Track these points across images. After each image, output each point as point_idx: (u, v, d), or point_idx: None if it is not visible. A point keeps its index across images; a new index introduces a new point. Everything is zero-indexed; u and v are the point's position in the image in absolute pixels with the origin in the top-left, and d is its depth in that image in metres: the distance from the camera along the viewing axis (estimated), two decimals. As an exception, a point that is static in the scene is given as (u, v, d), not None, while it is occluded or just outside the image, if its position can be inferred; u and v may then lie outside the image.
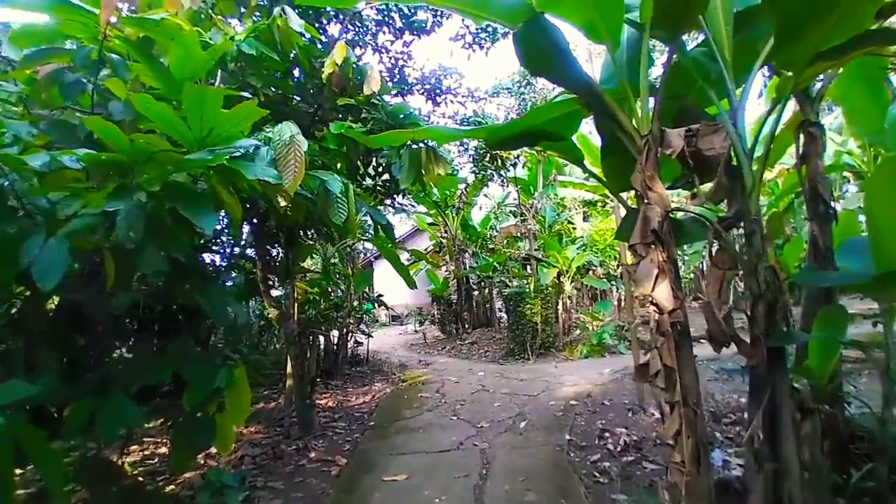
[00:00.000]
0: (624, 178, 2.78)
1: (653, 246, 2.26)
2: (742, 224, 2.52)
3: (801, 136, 3.13)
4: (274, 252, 6.13)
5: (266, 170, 2.20)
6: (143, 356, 2.86)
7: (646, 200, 2.29)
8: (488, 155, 9.30)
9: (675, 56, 2.45)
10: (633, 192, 2.87)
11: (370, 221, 6.91)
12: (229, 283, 8.42)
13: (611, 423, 4.91)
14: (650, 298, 2.24)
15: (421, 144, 4.79)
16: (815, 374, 2.84)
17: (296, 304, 6.01)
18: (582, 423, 4.98)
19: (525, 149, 9.96)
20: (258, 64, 4.34)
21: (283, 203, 2.96)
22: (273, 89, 4.88)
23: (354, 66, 4.63)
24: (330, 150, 4.45)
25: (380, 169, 6.25)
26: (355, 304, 10.85)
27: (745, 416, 4.86)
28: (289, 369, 5.79)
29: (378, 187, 7.04)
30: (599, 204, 15.98)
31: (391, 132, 3.88)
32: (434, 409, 6.05)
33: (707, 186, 2.57)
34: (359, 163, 5.52)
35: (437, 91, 6.77)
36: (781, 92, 2.31)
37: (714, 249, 2.48)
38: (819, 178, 3.14)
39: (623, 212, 3.38)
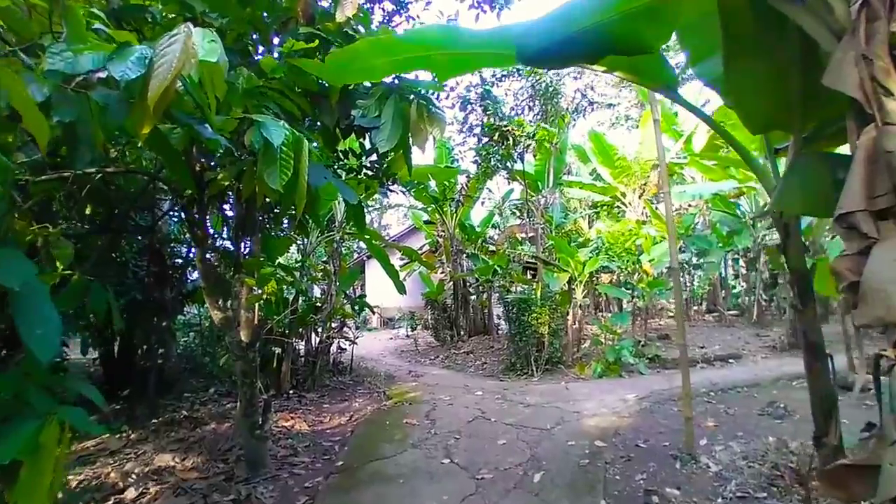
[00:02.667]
0: (776, 103, 1.58)
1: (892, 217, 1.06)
2: None
3: None
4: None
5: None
6: None
7: (879, 119, 1.08)
8: (497, 133, 8.03)
9: None
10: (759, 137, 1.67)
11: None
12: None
13: (656, 479, 3.68)
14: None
15: (410, 96, 3.59)
16: None
17: (255, 308, 4.79)
18: (617, 478, 3.75)
19: (536, 138, 8.72)
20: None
21: (144, 129, 1.73)
22: (222, 21, 3.65)
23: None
24: (285, 96, 3.23)
25: (364, 140, 5.02)
26: (345, 305, 9.65)
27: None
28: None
29: (365, 169, 5.78)
30: (608, 206, 14.89)
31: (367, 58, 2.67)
32: (421, 443, 4.80)
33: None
34: (337, 131, 4.30)
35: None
36: None
37: None
38: None
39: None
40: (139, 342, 7.90)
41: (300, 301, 8.58)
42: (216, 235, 7.03)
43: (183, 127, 2.16)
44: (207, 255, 4.29)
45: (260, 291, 4.39)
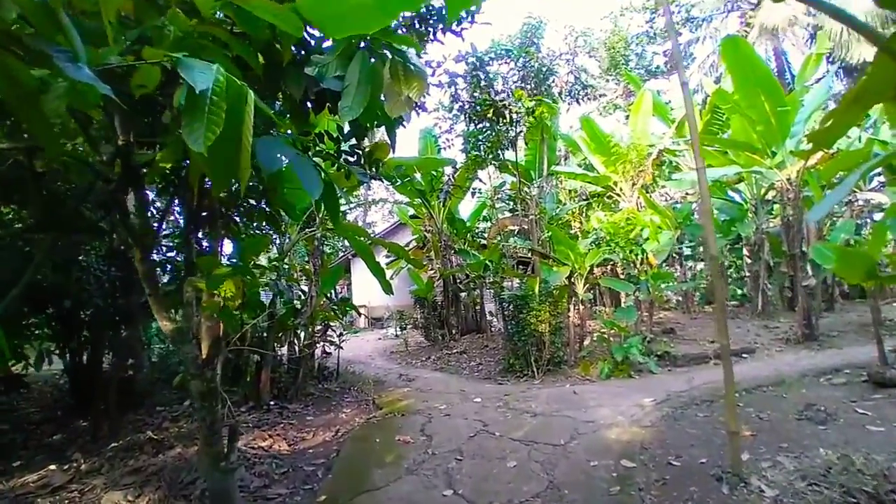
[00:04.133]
0: None
1: None
2: None
3: None
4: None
5: None
6: None
7: None
8: (491, 109, 7.25)
9: None
10: None
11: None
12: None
13: (704, 511, 3.06)
14: None
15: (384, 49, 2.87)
16: None
17: (218, 316, 4.06)
18: (657, 510, 3.13)
19: (535, 115, 7.97)
20: None
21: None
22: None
23: None
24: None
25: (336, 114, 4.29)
26: (329, 307, 8.96)
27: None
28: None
29: (345, 154, 5.05)
30: (600, 197, 14.31)
31: None
32: (418, 468, 4.13)
33: None
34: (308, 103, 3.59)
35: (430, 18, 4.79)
36: None
37: None
38: None
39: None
40: (106, 353, 7.17)
41: (279, 303, 7.87)
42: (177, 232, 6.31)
43: (37, 57, 1.44)
44: (155, 255, 3.59)
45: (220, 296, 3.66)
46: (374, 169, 5.33)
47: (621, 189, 12.44)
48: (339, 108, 2.73)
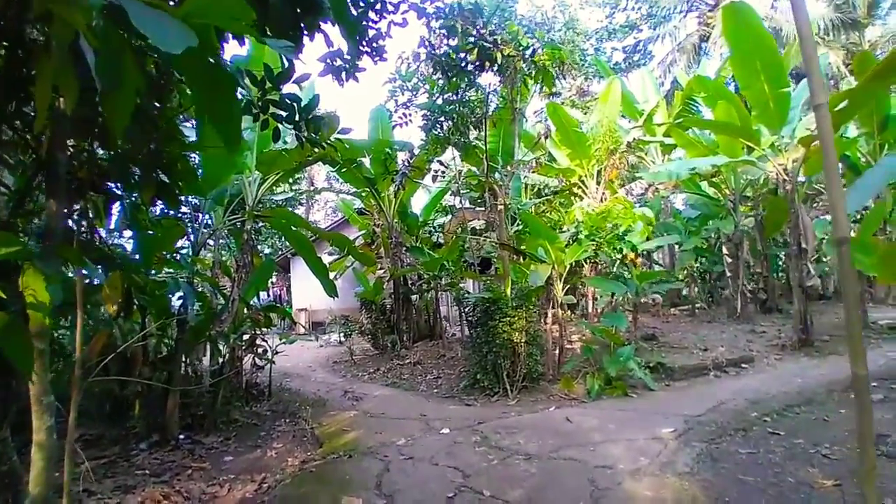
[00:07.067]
0: None
1: None
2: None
3: None
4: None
5: None
6: None
7: None
8: (476, 50, 5.71)
9: None
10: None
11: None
12: None
13: None
14: None
15: None
16: None
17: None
18: None
19: (535, 59, 6.41)
20: None
21: None
22: None
23: None
24: None
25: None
26: (255, 313, 7.35)
27: None
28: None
29: (274, 107, 3.59)
30: (566, 192, 13.28)
31: None
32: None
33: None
34: None
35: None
36: None
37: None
38: None
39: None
40: None
41: (190, 308, 6.20)
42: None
43: None
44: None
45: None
46: (313, 131, 3.89)
47: (584, 184, 11.41)
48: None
